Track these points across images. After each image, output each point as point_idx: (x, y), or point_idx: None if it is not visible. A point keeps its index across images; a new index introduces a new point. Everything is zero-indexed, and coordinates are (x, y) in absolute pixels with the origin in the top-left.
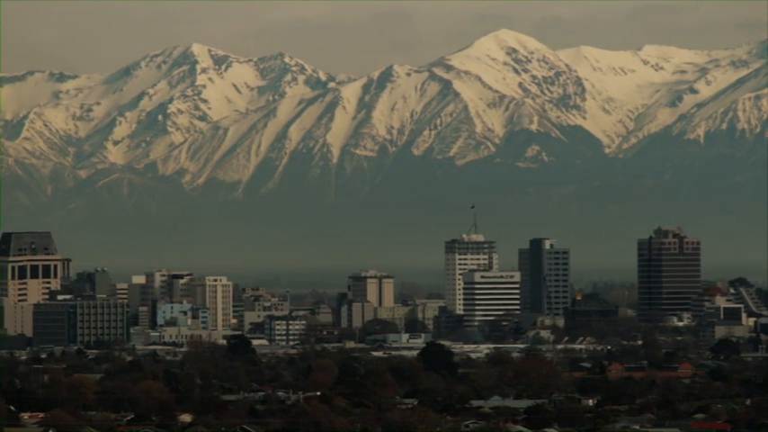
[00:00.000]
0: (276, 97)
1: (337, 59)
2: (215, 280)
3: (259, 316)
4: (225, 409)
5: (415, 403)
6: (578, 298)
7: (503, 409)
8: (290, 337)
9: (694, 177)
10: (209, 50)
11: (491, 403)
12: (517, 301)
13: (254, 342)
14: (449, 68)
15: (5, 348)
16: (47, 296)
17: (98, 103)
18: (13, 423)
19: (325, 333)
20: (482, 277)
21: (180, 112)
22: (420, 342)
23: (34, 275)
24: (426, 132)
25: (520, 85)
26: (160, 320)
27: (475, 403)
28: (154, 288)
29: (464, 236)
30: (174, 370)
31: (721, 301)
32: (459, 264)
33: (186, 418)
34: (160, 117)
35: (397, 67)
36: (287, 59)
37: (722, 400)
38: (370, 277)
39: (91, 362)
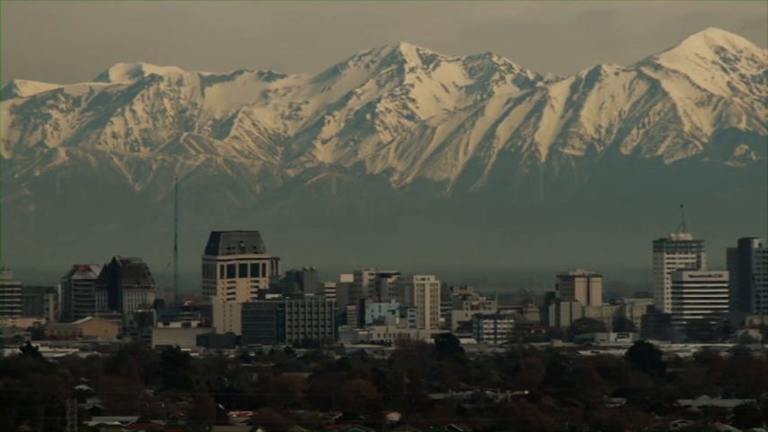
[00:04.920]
0: (484, 96)
1: (543, 58)
2: (423, 279)
3: (467, 315)
4: (433, 408)
5: (624, 402)
6: None
7: (711, 408)
8: (498, 336)
9: None
10: (417, 50)
11: (699, 402)
12: (725, 301)
13: (462, 341)
14: (657, 67)
15: (214, 347)
16: (255, 295)
17: (306, 102)
18: (222, 421)
19: (532, 332)
20: (690, 276)
21: (388, 111)
22: (628, 341)
23: (243, 274)
24: (634, 131)
25: (728, 83)
26: (368, 319)
27: (683, 402)
28: (362, 287)
29: (672, 235)
30: (382, 369)
31: None
32: (668, 263)
33: (394, 416)
34: (368, 116)
35: (605, 66)
36: (494, 58)
37: None
38: (579, 276)
39: (299, 360)
